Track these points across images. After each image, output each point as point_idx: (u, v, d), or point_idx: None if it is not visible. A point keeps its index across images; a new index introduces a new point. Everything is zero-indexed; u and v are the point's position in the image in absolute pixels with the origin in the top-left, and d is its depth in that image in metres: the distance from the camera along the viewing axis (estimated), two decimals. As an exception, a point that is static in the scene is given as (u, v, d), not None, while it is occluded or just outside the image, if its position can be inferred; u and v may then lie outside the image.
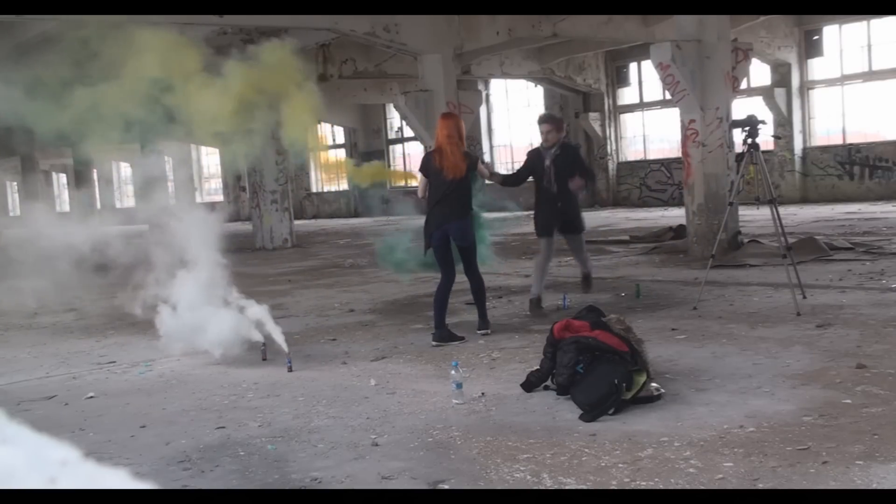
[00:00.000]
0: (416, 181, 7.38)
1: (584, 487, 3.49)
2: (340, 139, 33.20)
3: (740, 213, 11.26)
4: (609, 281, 9.73)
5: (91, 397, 5.67)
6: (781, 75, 20.97)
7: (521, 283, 9.99)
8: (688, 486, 3.43)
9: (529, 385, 5.02)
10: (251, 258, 16.63)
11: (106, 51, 6.31)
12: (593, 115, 24.79)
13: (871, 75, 20.14)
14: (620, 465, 3.69)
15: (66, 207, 40.08)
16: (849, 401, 4.42)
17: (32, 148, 25.65)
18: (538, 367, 5.07)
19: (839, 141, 20.87)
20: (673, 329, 6.61)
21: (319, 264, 14.43)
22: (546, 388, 4.99)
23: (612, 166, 25.12)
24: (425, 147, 12.91)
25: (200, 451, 4.33)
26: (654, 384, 4.70)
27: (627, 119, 25.12)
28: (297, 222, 19.72)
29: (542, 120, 8.11)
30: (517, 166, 9.23)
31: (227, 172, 36.01)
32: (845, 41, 20.45)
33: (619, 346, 4.75)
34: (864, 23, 19.86)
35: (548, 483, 3.56)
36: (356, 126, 31.97)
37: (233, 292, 6.76)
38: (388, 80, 24.01)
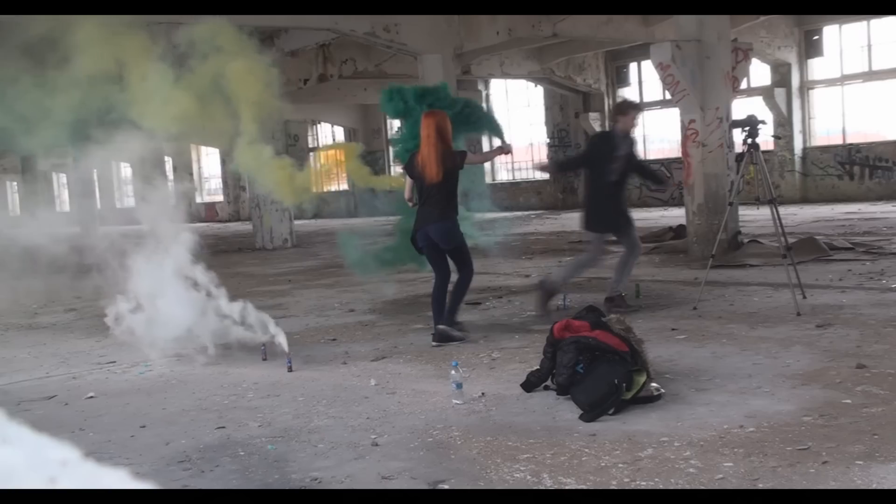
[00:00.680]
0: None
1: (584, 487, 3.49)
2: (340, 139, 33.21)
3: (740, 213, 11.27)
4: (609, 281, 9.71)
5: (91, 397, 5.67)
6: (781, 75, 20.98)
7: (521, 283, 10.00)
8: (688, 486, 3.43)
9: (529, 385, 5.02)
10: (251, 258, 16.64)
11: (59, 44, 6.06)
12: (593, 115, 24.80)
13: (871, 75, 20.14)
14: (620, 465, 3.69)
15: (66, 207, 40.05)
16: (849, 401, 4.42)
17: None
18: (538, 367, 5.07)
19: (839, 141, 20.88)
20: (673, 329, 6.61)
21: (319, 264, 14.43)
22: (546, 388, 4.99)
23: (612, 166, 25.10)
24: None
25: (200, 451, 4.33)
26: (654, 384, 4.70)
27: (627, 119, 25.10)
28: (296, 222, 19.71)
29: (629, 106, 7.84)
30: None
31: (227, 172, 36.02)
32: (845, 41, 20.46)
33: (619, 346, 4.75)
34: (864, 23, 19.86)
35: (548, 483, 3.56)
36: (356, 126, 32.00)
37: (197, 273, 6.55)
38: (388, 80, 24.00)
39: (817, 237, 11.10)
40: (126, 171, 40.50)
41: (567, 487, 3.51)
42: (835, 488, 3.31)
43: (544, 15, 13.80)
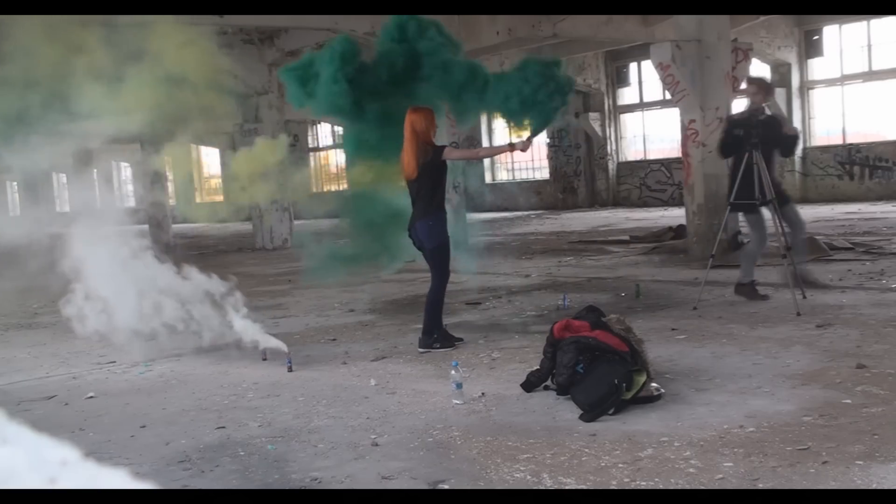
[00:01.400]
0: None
1: (584, 487, 3.49)
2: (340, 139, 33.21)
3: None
4: (609, 281, 9.72)
5: (91, 397, 5.67)
6: (781, 75, 20.97)
7: (521, 283, 9.99)
8: (688, 486, 3.43)
9: (529, 385, 5.02)
10: (251, 258, 16.64)
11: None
12: (593, 115, 24.79)
13: (871, 75, 20.14)
14: (620, 465, 3.69)
15: (67, 207, 40.05)
16: (849, 401, 4.42)
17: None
18: (538, 367, 5.07)
19: (839, 141, 20.87)
20: (673, 329, 6.61)
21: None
22: (546, 388, 4.99)
23: (612, 166, 25.12)
24: None
25: (200, 451, 4.33)
26: (654, 384, 4.70)
27: (627, 119, 25.12)
28: (296, 222, 19.70)
29: (750, 80, 7.86)
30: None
31: (227, 172, 35.99)
32: (845, 41, 20.45)
33: (619, 346, 4.75)
34: (864, 23, 19.86)
35: (548, 483, 3.56)
36: (356, 126, 31.91)
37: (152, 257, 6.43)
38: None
39: (817, 237, 11.10)
40: (126, 171, 40.54)
41: (567, 487, 3.51)
42: (835, 488, 3.31)
43: (544, 15, 13.80)
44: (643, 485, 3.47)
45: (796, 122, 21.08)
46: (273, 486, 3.78)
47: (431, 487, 3.60)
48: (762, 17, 17.98)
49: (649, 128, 24.71)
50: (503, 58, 21.06)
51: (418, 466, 3.87)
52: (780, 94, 20.98)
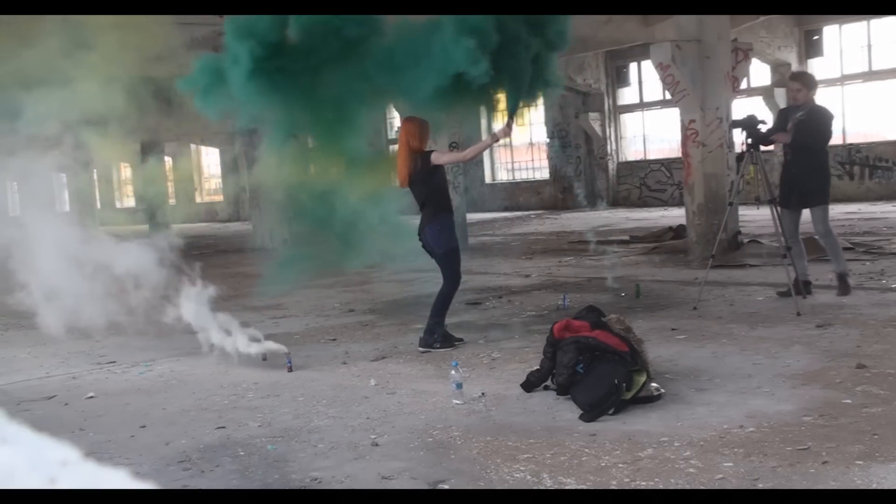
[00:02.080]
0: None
1: (584, 487, 3.49)
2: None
3: (740, 213, 11.26)
4: (609, 281, 9.72)
5: (91, 397, 5.67)
6: (781, 75, 20.96)
7: (520, 283, 9.99)
8: (688, 486, 3.43)
9: (529, 385, 5.02)
10: (251, 258, 16.63)
11: None
12: (593, 115, 24.78)
13: (871, 75, 20.14)
14: (620, 465, 3.69)
15: (66, 207, 40.04)
16: (849, 401, 4.42)
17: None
18: (538, 367, 5.07)
19: (839, 141, 20.85)
20: (673, 329, 6.61)
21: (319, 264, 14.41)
22: (546, 388, 4.99)
23: (612, 166, 25.11)
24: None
25: (200, 451, 4.33)
26: (654, 384, 4.70)
27: (627, 119, 25.11)
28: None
29: (791, 77, 7.80)
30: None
31: (227, 172, 36.00)
32: (845, 41, 20.45)
33: (619, 346, 4.75)
34: (864, 23, 19.86)
35: (548, 483, 3.56)
36: (356, 126, 31.92)
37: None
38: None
39: (817, 237, 11.09)
40: (126, 171, 40.52)
41: (567, 487, 3.51)
42: (835, 488, 3.31)
43: (544, 15, 13.80)
44: (643, 485, 3.47)
45: (796, 122, 21.09)
46: (273, 486, 3.78)
47: (431, 487, 3.60)
48: (762, 17, 17.98)
49: (649, 128, 24.70)
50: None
51: (418, 466, 3.87)
52: (780, 94, 20.97)
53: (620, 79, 24.87)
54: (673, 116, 19.31)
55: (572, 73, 23.74)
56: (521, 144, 27.40)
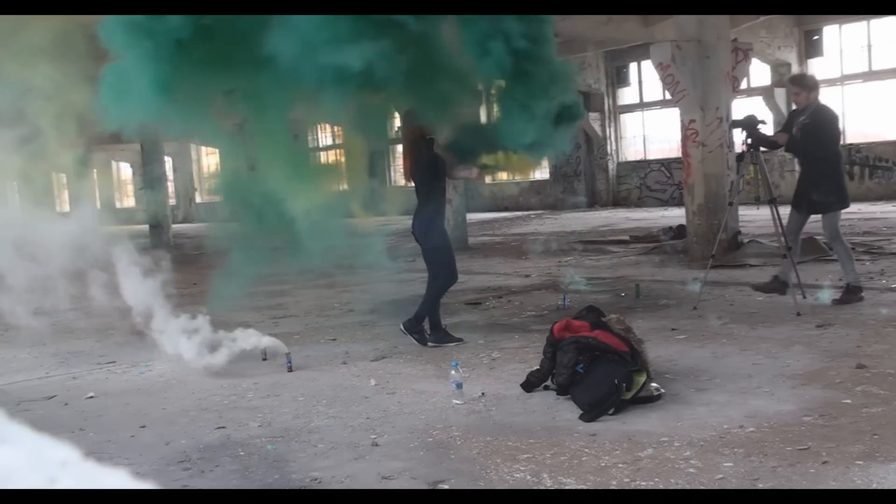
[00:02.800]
0: None
1: (584, 487, 3.49)
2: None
3: (740, 213, 11.26)
4: (609, 281, 9.72)
5: (91, 397, 5.67)
6: (781, 75, 20.97)
7: (520, 283, 9.99)
8: (688, 486, 3.43)
9: (529, 385, 5.02)
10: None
11: None
12: (593, 115, 24.78)
13: (871, 75, 20.14)
14: (620, 465, 3.69)
15: (67, 207, 40.08)
16: (849, 401, 4.42)
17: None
18: (538, 367, 5.07)
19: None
20: (673, 329, 6.61)
21: (319, 264, 14.41)
22: (546, 388, 4.99)
23: (612, 166, 25.13)
24: None
25: (200, 451, 4.33)
26: (654, 384, 4.70)
27: (627, 119, 25.12)
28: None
29: (789, 81, 7.74)
30: None
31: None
32: (845, 41, 20.46)
33: (619, 346, 4.75)
34: (864, 23, 19.87)
35: (548, 483, 3.56)
36: (356, 126, 31.89)
37: None
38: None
39: (817, 237, 11.10)
40: (126, 170, 40.55)
41: (567, 487, 3.51)
42: (835, 488, 3.30)
43: (544, 15, 13.79)
44: (643, 485, 3.47)
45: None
46: (273, 486, 3.78)
47: (431, 487, 3.60)
48: (762, 17, 17.99)
49: (649, 128, 24.72)
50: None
51: (418, 466, 3.87)
52: (780, 94, 20.98)
53: (620, 79, 24.87)
54: (673, 116, 19.32)
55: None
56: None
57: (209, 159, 40.47)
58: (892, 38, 19.67)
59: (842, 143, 20.86)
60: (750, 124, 7.42)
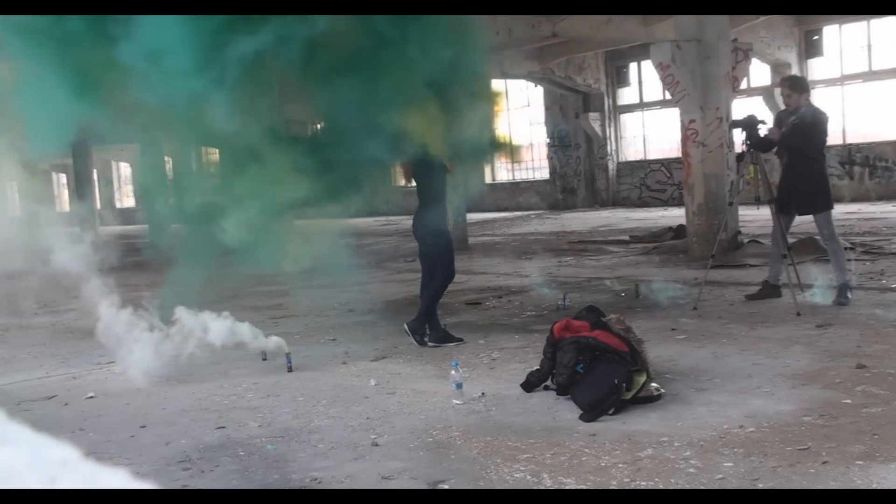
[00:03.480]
0: None
1: (584, 487, 3.49)
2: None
3: (740, 213, 11.27)
4: (609, 281, 9.72)
5: (91, 397, 5.67)
6: (781, 75, 20.97)
7: (520, 283, 9.99)
8: (688, 486, 3.43)
9: (529, 385, 5.02)
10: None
11: None
12: (593, 115, 24.79)
13: (871, 75, 20.14)
14: (620, 465, 3.69)
15: (66, 207, 40.11)
16: (849, 401, 4.42)
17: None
18: (538, 367, 5.07)
19: (839, 141, 20.86)
20: (673, 329, 6.61)
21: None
22: (546, 388, 4.99)
23: (612, 166, 25.12)
24: None
25: (200, 451, 4.33)
26: (654, 384, 4.70)
27: (627, 119, 25.12)
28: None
29: (780, 83, 7.77)
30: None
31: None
32: (845, 41, 20.45)
33: (619, 346, 4.75)
34: (864, 23, 19.86)
35: (548, 483, 3.56)
36: (356, 126, 31.87)
37: None
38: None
39: (817, 237, 11.10)
40: (126, 170, 40.56)
41: (567, 487, 3.51)
42: (835, 488, 3.30)
43: (544, 15, 13.80)
44: (643, 485, 3.47)
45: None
46: (273, 486, 3.78)
47: (431, 487, 3.60)
48: (762, 17, 18.00)
49: (649, 128, 24.71)
50: (503, 57, 21.11)
51: (418, 466, 3.87)
52: (780, 94, 20.97)
53: (620, 79, 24.87)
54: (673, 116, 19.31)
55: (572, 73, 23.74)
56: (522, 144, 27.39)
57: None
58: (892, 38, 19.66)
59: (841, 142, 20.88)
60: (750, 124, 7.42)
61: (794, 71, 20.88)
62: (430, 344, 6.53)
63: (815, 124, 7.40)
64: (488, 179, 28.35)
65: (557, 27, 14.28)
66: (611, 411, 4.42)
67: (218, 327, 6.06)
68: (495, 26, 14.25)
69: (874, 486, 3.31)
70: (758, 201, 7.94)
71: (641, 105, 24.56)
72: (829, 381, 4.80)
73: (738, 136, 7.75)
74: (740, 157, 7.56)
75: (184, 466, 4.11)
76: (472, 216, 19.10)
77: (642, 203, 24.11)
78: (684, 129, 11.16)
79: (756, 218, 13.02)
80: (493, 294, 9.16)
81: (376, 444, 4.23)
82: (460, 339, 6.60)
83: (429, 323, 6.68)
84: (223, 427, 4.74)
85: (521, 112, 27.62)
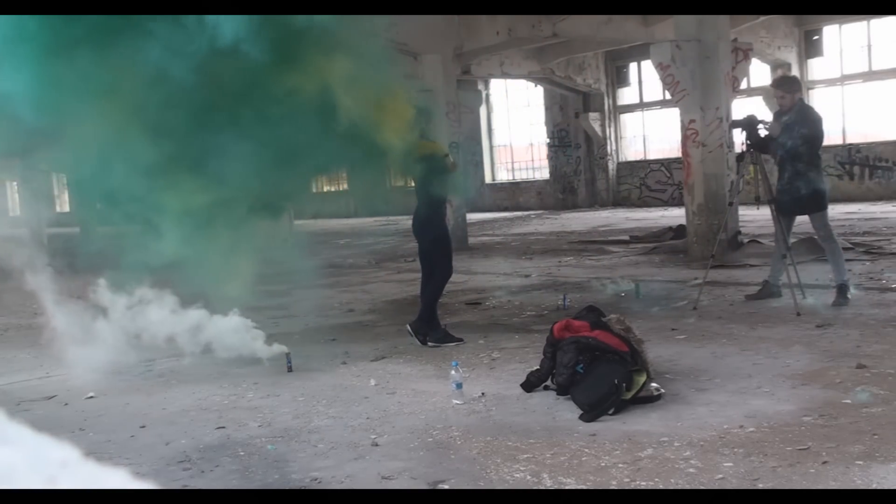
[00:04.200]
0: None
1: (584, 487, 3.49)
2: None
3: (740, 213, 11.26)
4: (609, 281, 9.71)
5: (91, 397, 5.67)
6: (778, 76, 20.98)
7: (520, 283, 9.99)
8: (688, 486, 3.43)
9: (529, 385, 5.02)
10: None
11: None
12: (593, 115, 24.77)
13: (871, 75, 20.13)
14: (620, 465, 3.69)
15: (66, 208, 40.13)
16: (849, 401, 4.42)
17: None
18: (538, 367, 5.07)
19: (839, 141, 20.86)
20: (673, 329, 6.61)
21: (319, 264, 14.41)
22: (546, 388, 4.99)
23: (612, 166, 25.11)
24: None
25: (200, 451, 4.33)
26: (654, 384, 4.70)
27: (627, 119, 25.11)
28: (296, 222, 19.67)
29: (772, 84, 7.77)
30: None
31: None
32: (845, 41, 20.45)
33: (619, 346, 4.75)
34: (864, 23, 19.85)
35: (548, 483, 3.56)
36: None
37: None
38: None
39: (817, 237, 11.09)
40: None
41: (567, 487, 3.51)
42: (835, 488, 3.30)
43: (544, 15, 13.80)
44: (643, 485, 3.47)
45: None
46: (273, 486, 3.78)
47: (431, 487, 3.60)
48: (762, 17, 17.99)
49: (649, 128, 24.70)
50: (503, 57, 21.12)
51: (418, 466, 3.87)
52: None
53: (620, 79, 24.86)
54: (673, 116, 19.31)
55: (572, 73, 23.74)
56: (522, 144, 27.41)
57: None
58: (892, 38, 19.66)
59: (841, 142, 20.88)
60: (750, 124, 7.42)
61: (794, 71, 20.88)
62: (430, 344, 6.54)
63: (810, 124, 7.38)
64: (488, 179, 28.36)
65: (557, 27, 14.28)
66: (611, 411, 4.42)
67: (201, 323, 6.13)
68: (495, 26, 14.25)
69: (874, 486, 3.31)
70: (758, 201, 7.94)
71: (641, 105, 24.55)
72: (829, 381, 4.80)
73: (738, 136, 7.75)
74: (740, 157, 7.56)
75: (184, 466, 4.11)
76: (472, 216, 19.10)
77: (642, 203, 24.10)
78: (684, 129, 11.16)
79: (756, 218, 13.01)
80: (493, 294, 9.15)
81: (376, 444, 4.23)
82: (460, 340, 6.60)
83: (429, 323, 6.68)
84: (223, 427, 4.74)
85: (521, 112, 27.62)
